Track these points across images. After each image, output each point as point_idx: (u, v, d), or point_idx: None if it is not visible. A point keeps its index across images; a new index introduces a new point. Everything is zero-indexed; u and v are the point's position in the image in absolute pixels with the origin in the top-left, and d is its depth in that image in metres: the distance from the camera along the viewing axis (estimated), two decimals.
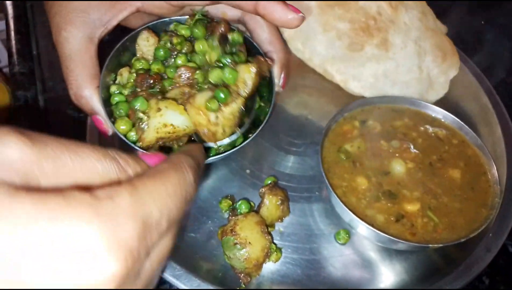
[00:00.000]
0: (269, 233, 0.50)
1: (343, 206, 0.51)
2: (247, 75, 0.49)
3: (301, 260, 0.53)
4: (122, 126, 0.49)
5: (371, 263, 0.53)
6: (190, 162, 0.32)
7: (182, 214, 0.29)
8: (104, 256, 0.22)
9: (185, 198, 0.29)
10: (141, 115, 0.48)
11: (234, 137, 0.51)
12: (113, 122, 0.50)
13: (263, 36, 0.56)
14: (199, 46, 0.51)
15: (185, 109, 0.47)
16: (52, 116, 0.67)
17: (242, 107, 0.49)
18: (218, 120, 0.47)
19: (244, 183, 0.59)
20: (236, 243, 0.48)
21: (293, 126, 0.66)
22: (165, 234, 0.28)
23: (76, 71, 0.50)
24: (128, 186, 0.25)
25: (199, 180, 0.33)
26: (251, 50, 0.55)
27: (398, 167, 0.55)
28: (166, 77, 0.51)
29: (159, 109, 0.47)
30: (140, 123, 0.47)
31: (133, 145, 0.49)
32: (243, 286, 0.50)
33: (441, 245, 0.50)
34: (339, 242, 0.54)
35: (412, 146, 0.58)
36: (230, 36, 0.52)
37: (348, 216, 0.51)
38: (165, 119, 0.47)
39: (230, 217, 0.53)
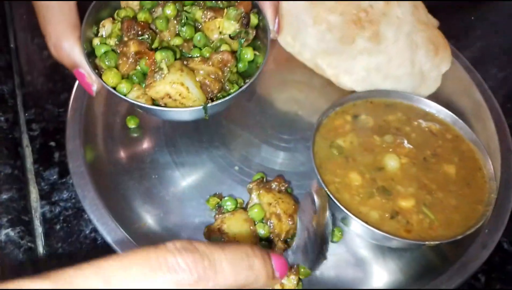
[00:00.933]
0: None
1: (336, 202, 0.49)
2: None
3: None
4: (111, 79, 0.47)
5: (364, 262, 0.52)
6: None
7: None
8: None
9: None
10: (163, 66, 0.47)
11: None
12: (100, 76, 0.48)
13: None
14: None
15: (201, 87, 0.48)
16: (31, 111, 0.63)
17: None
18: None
19: (232, 180, 0.57)
20: None
21: (283, 121, 0.64)
22: None
23: (54, 20, 0.47)
24: None
25: None
26: None
27: (392, 163, 0.53)
28: (155, 28, 0.50)
29: (182, 70, 0.47)
30: (156, 74, 0.46)
31: (123, 97, 0.46)
32: None
33: (437, 242, 0.48)
34: (332, 240, 0.52)
35: (405, 141, 0.56)
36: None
37: (341, 213, 0.50)
38: (185, 80, 0.47)
39: (216, 216, 0.51)
